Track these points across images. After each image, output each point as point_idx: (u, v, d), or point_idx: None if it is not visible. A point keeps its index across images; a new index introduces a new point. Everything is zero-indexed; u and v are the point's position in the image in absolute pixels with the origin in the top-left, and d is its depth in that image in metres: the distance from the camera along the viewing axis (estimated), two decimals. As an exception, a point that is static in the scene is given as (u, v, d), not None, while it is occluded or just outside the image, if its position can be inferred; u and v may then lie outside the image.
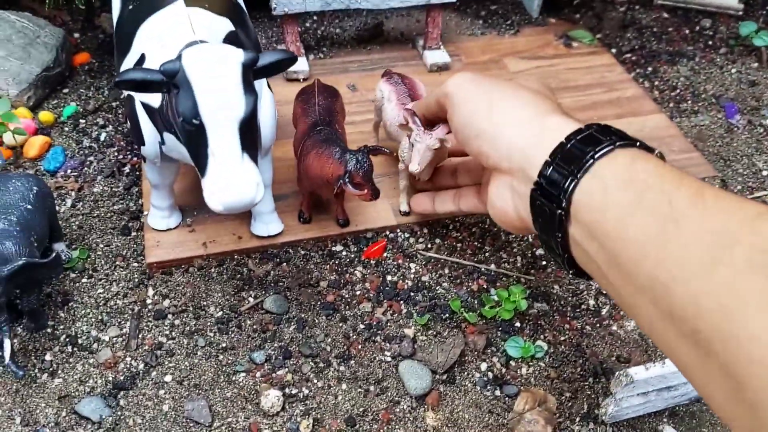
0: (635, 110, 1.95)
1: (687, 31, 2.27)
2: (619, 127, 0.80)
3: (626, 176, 0.67)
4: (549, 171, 0.74)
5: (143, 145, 1.30)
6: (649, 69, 2.12)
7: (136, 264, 1.49)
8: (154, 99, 1.21)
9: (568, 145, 0.74)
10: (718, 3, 2.29)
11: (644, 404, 1.20)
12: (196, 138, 1.06)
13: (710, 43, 2.22)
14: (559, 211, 0.72)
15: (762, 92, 2.02)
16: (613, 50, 2.19)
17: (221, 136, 1.03)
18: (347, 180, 1.32)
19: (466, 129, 0.85)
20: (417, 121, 1.37)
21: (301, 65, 1.98)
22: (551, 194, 0.73)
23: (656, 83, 2.07)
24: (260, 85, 1.29)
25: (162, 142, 1.27)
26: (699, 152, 1.83)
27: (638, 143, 0.74)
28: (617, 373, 1.15)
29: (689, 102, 2.00)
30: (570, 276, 1.34)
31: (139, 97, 1.24)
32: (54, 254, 1.24)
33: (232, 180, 1.04)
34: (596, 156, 0.71)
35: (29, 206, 1.30)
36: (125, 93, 1.35)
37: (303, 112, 1.51)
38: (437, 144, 1.36)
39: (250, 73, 1.06)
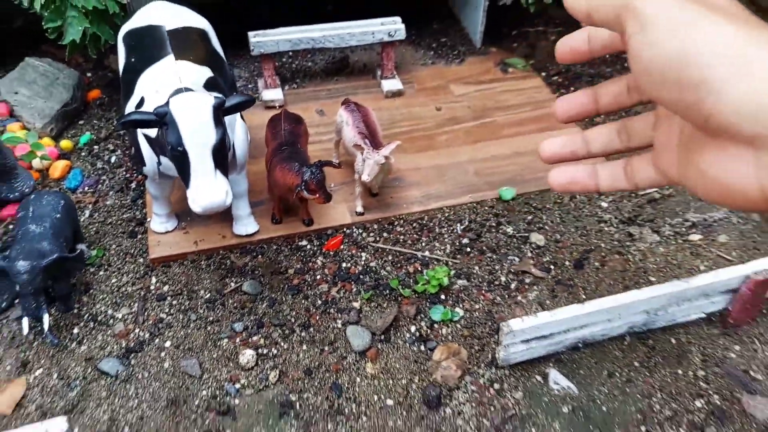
0: (555, 125, 2.33)
1: (607, 56, 2.65)
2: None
3: None
4: None
5: (145, 165, 1.69)
6: (572, 89, 2.50)
7: (141, 259, 1.88)
8: (152, 130, 1.60)
9: None
10: (634, 30, 2.68)
11: (528, 350, 1.58)
12: (181, 160, 1.45)
13: (626, 65, 2.60)
14: None
15: (665, 106, 2.41)
16: (543, 74, 2.57)
17: (199, 158, 1.43)
18: (304, 187, 1.71)
19: (671, 71, 0.47)
20: (367, 143, 1.79)
21: (277, 95, 2.37)
22: None
23: (577, 101, 2.46)
24: (233, 118, 1.68)
25: (159, 163, 1.67)
26: (604, 158, 2.20)
27: None
28: (501, 324, 1.54)
29: (602, 117, 2.38)
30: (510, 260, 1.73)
31: (141, 130, 1.64)
32: (79, 251, 1.64)
33: (208, 190, 1.44)
34: None
35: (58, 215, 1.69)
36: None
37: (272, 136, 1.91)
38: (383, 160, 1.78)
39: (220, 112, 1.46)
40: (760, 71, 0.41)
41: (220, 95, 1.48)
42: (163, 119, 1.42)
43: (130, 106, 1.65)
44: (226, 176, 1.48)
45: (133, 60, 1.72)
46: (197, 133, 1.42)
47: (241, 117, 1.77)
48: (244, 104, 1.50)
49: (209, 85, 1.64)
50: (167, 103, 1.43)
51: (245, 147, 1.74)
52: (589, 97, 0.61)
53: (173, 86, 1.51)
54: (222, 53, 1.88)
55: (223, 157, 1.47)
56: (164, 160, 1.63)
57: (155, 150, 1.62)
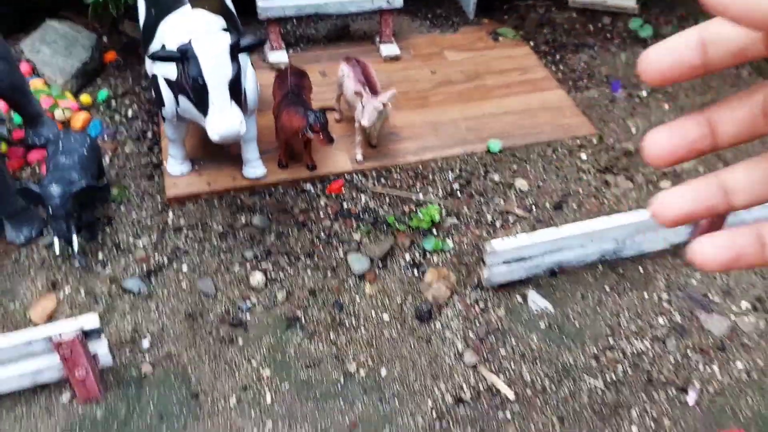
0: (541, 87, 2.51)
1: (591, 27, 2.84)
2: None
3: None
4: None
5: (164, 107, 1.86)
6: (557, 57, 2.69)
7: (158, 198, 2.06)
8: (172, 74, 1.77)
9: None
10: (618, 3, 2.86)
11: (510, 271, 1.76)
12: (200, 93, 1.63)
13: (608, 36, 2.80)
14: None
15: (643, 72, 2.60)
16: (531, 43, 2.76)
17: (217, 90, 1.60)
18: (308, 129, 1.89)
19: None
20: (367, 90, 1.98)
21: (282, 57, 2.55)
22: None
23: (561, 67, 2.65)
24: (245, 63, 1.86)
25: (177, 104, 1.84)
26: (586, 117, 2.39)
27: None
28: (485, 244, 1.72)
29: (584, 81, 2.57)
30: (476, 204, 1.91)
31: (161, 73, 1.81)
32: (105, 182, 1.82)
33: (225, 118, 1.61)
34: None
35: (85, 152, 1.86)
36: (151, 74, 1.91)
37: (279, 87, 2.08)
38: (381, 106, 1.97)
39: (236, 50, 1.63)
40: None
41: (235, 35, 1.66)
42: (185, 55, 1.60)
43: (152, 50, 1.82)
44: (240, 108, 1.66)
45: (152, 11, 1.89)
46: (216, 67, 1.59)
47: (252, 64, 1.94)
48: (257, 45, 1.68)
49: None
50: (189, 42, 1.61)
51: (255, 92, 1.91)
52: (699, 127, 0.40)
53: (192, 30, 1.69)
54: (234, 11, 2.06)
55: (238, 91, 1.65)
56: (182, 101, 1.80)
57: (174, 91, 1.80)
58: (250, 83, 1.90)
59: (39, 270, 1.84)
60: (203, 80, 1.61)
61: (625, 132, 2.36)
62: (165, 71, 1.80)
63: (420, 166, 2.20)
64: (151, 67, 1.88)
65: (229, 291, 1.81)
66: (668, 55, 0.37)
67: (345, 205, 2.06)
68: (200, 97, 1.65)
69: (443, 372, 1.67)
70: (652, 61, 0.36)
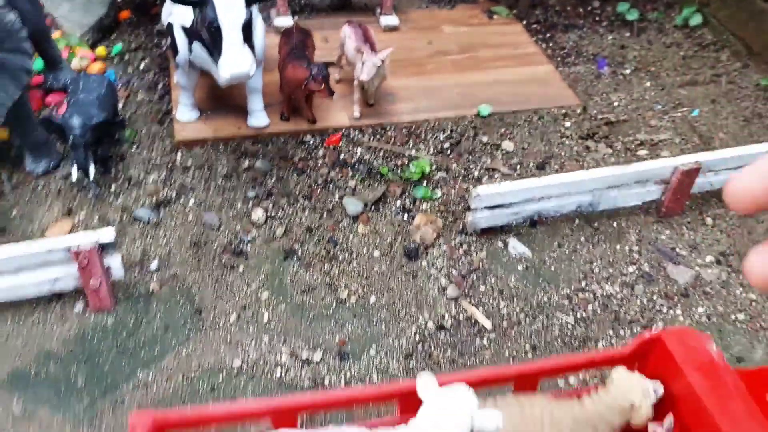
0: (531, 62, 2.66)
1: (581, 10, 3.00)
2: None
3: None
4: None
5: (178, 53, 2.00)
6: (548, 35, 2.84)
7: (168, 141, 2.19)
8: (187, 21, 1.91)
9: None
10: (608, -11, 3.02)
11: (492, 217, 1.90)
12: (215, 35, 1.77)
13: (597, 18, 2.95)
14: None
15: (628, 53, 2.75)
16: (524, 22, 2.90)
17: (230, 32, 1.74)
18: (311, 80, 2.03)
19: None
20: (367, 48, 2.12)
21: (288, 23, 2.69)
22: None
23: (551, 45, 2.80)
24: (256, 15, 2.00)
25: (190, 52, 1.98)
26: (571, 90, 2.54)
27: None
28: (471, 189, 1.86)
29: (572, 58, 2.72)
30: (464, 160, 2.06)
31: (177, 21, 1.95)
32: (121, 118, 1.95)
33: (237, 58, 1.75)
34: None
35: (103, 91, 2.00)
36: (167, 23, 2.04)
37: (285, 43, 2.22)
38: (379, 62, 2.11)
39: (249, -1, 1.78)
40: None
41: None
42: (204, 0, 1.74)
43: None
44: (252, 51, 1.80)
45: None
46: (230, 10, 1.73)
47: (262, 19, 2.08)
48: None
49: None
50: (207, -12, 1.76)
51: (262, 44, 2.05)
52: None
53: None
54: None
55: (249, 36, 1.79)
56: (195, 48, 1.94)
57: (189, 38, 1.94)
58: (258, 36, 2.04)
59: (56, 198, 1.98)
60: (218, 23, 1.75)
61: (607, 104, 2.51)
62: (181, 19, 1.94)
63: (413, 125, 2.35)
64: (168, 17, 2.02)
65: (232, 224, 1.95)
66: (751, 187, 0.36)
67: (342, 156, 2.20)
68: (214, 40, 1.79)
69: (427, 303, 1.81)
70: (740, 189, 0.36)
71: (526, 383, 1.13)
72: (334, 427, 0.99)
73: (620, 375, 1.07)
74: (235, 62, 1.77)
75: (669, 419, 1.08)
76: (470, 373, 1.04)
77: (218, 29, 1.77)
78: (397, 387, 1.06)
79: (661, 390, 1.06)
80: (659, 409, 1.11)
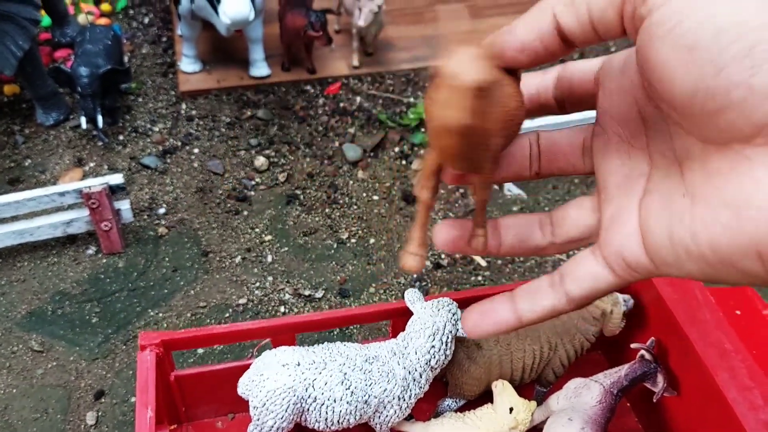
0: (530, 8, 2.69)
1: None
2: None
3: None
4: None
5: (180, 3, 2.05)
6: (547, -17, 2.86)
7: (173, 92, 2.25)
8: (189, -30, 1.96)
9: None
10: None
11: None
12: (216, -17, 1.82)
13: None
14: None
15: None
16: (523, -30, 2.91)
17: (230, -21, 1.79)
18: (310, 27, 2.08)
19: (733, 42, 0.30)
20: (364, -7, 2.16)
21: (288, -25, 2.72)
22: None
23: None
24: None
25: (192, 1, 2.02)
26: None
27: None
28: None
29: (571, 4, 2.74)
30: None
31: (179, -29, 1.99)
32: (127, 66, 2.01)
33: (236, 3, 1.80)
34: None
35: (109, 42, 2.05)
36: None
37: (285, -7, 2.27)
38: (376, 8, 2.15)
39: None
40: None
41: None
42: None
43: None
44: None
45: None
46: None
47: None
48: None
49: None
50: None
51: (263, -8, 2.10)
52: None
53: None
54: None
55: (249, -17, 1.84)
56: (197, -1, 1.99)
57: (191, -12, 1.98)
58: (259, -15, 2.09)
59: (66, 149, 2.05)
60: (218, -29, 1.80)
61: (604, 47, 2.54)
62: (181, -31, 1.99)
63: (412, 74, 2.39)
64: (169, -32, 2.06)
65: (236, 171, 2.02)
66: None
67: (341, 105, 2.25)
68: (215, -12, 1.84)
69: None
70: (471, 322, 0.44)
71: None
72: (328, 344, 1.07)
73: (595, 290, 1.13)
74: (235, 6, 1.82)
75: (651, 340, 1.15)
76: (458, 293, 1.11)
77: (218, -23, 1.82)
78: (390, 306, 1.14)
79: (631, 302, 1.13)
80: (641, 335, 1.18)
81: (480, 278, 1.82)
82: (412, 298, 1.10)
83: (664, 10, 0.32)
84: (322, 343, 1.07)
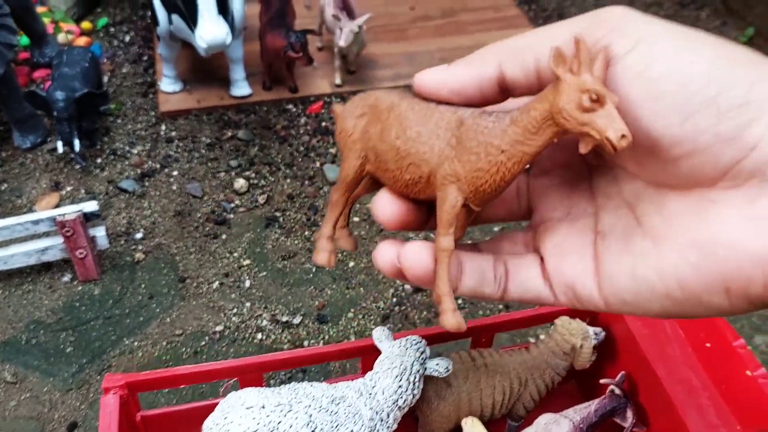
0: (513, 25, 2.68)
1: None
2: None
3: None
4: None
5: (158, 24, 2.04)
6: (532, -4, 2.86)
7: (152, 113, 2.24)
8: (165, -8, 1.94)
9: None
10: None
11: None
12: (190, 6, 1.80)
13: None
14: None
15: (610, 12, 2.76)
16: (507, -16, 2.91)
17: (205, 2, 1.78)
18: (290, 48, 2.07)
19: (698, 92, 0.32)
20: (344, 13, 2.15)
21: (270, -9, 2.71)
22: None
23: (533, 7, 2.81)
24: (234, -15, 2.03)
25: (170, 23, 2.01)
26: (553, 51, 2.56)
27: None
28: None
29: (554, 20, 2.73)
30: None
31: (155, -7, 1.98)
32: (105, 89, 2.00)
33: (212, 27, 1.79)
34: None
35: (87, 64, 2.04)
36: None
37: (264, 11, 2.25)
38: (357, 29, 2.14)
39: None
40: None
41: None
42: (177, -30, 1.77)
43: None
44: (227, 22, 1.83)
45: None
46: (205, -21, 1.77)
47: (239, -10, 2.11)
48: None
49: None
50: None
51: (242, 13, 2.08)
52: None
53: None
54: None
55: (224, 4, 1.82)
56: (175, 20, 1.98)
57: (167, 9, 1.97)
58: (237, 5, 2.08)
59: (43, 172, 2.03)
60: (193, -8, 1.79)
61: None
62: (158, -10, 1.98)
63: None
64: (147, -11, 2.05)
65: (215, 194, 2.00)
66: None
67: (323, 124, 2.24)
68: (190, 10, 1.82)
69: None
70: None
71: (481, 339, 1.19)
72: (295, 384, 1.05)
73: (562, 321, 1.12)
74: (210, 31, 1.81)
75: (621, 374, 1.14)
76: (427, 329, 1.09)
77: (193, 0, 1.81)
78: (359, 344, 1.12)
79: (603, 334, 1.12)
80: (611, 368, 1.17)
81: (459, 301, 1.81)
82: (380, 336, 1.09)
83: (624, 61, 0.33)
84: (293, 375, 1.05)
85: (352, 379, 1.08)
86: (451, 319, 0.42)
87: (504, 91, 0.39)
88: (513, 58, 0.38)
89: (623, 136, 0.33)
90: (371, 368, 1.09)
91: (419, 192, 0.42)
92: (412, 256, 0.40)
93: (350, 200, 0.51)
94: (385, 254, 0.42)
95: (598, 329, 1.14)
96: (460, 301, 1.78)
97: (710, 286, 0.33)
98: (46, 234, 1.72)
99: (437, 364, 1.05)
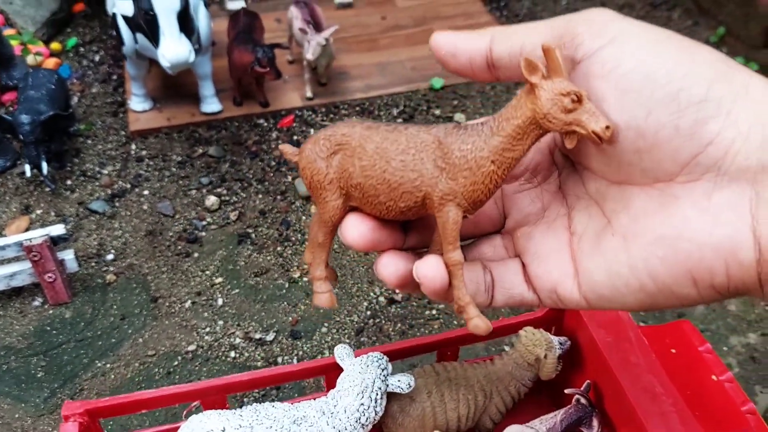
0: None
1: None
2: None
3: None
4: None
5: (124, 44, 2.03)
6: (502, 3, 2.86)
7: (123, 132, 2.23)
8: (129, 11, 1.93)
9: None
10: (560, -46, 3.02)
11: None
12: (152, 24, 1.80)
13: None
14: None
15: (580, 16, 2.77)
16: (478, -9, 2.92)
17: (166, 20, 1.77)
18: (257, 63, 2.06)
19: (662, 86, 0.35)
20: (311, 27, 2.14)
21: (241, 5, 2.70)
22: None
23: (505, 13, 2.82)
24: (198, 4, 2.02)
25: (135, 42, 2.00)
26: (524, 56, 2.57)
27: None
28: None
29: (525, 24, 2.75)
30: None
31: (120, 12, 1.97)
32: (71, 111, 1.98)
33: (174, 46, 1.78)
34: None
35: (53, 86, 2.03)
36: (111, 13, 2.07)
37: (232, 27, 2.25)
38: (324, 41, 2.13)
39: (183, -15, 1.80)
40: (758, 95, 0.33)
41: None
42: (138, -10, 1.77)
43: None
44: (189, 40, 1.83)
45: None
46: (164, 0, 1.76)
47: (205, 5, 2.10)
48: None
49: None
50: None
51: (208, 30, 2.08)
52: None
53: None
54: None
55: (186, 23, 1.82)
56: (140, 38, 1.97)
57: (132, 28, 1.96)
58: (202, 22, 2.07)
59: (13, 196, 2.02)
60: (154, 12, 1.78)
61: (559, 70, 2.54)
62: (123, 9, 1.96)
63: (366, 103, 2.38)
64: (112, 7, 2.04)
65: (186, 212, 1.99)
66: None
67: (295, 138, 2.24)
68: (152, 29, 1.82)
69: (378, 279, 1.86)
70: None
71: (446, 352, 1.18)
72: (257, 405, 1.05)
73: (526, 333, 1.12)
74: (172, 50, 1.80)
75: (586, 383, 1.13)
76: (388, 346, 1.09)
77: (154, 18, 1.80)
78: (322, 362, 1.12)
79: (568, 343, 1.11)
80: (578, 377, 1.16)
81: (434, 312, 1.80)
82: (342, 354, 1.08)
83: (597, 56, 0.37)
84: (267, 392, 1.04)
85: (323, 396, 1.07)
86: (481, 324, 0.45)
87: (489, 68, 0.43)
88: (504, 38, 0.42)
89: (607, 127, 0.37)
90: (335, 386, 1.08)
91: (413, 215, 0.45)
92: (430, 271, 0.43)
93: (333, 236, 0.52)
94: (389, 266, 0.45)
95: (564, 339, 1.14)
96: (434, 311, 1.77)
97: (679, 279, 0.36)
98: (16, 259, 1.70)
99: (399, 381, 1.04)
